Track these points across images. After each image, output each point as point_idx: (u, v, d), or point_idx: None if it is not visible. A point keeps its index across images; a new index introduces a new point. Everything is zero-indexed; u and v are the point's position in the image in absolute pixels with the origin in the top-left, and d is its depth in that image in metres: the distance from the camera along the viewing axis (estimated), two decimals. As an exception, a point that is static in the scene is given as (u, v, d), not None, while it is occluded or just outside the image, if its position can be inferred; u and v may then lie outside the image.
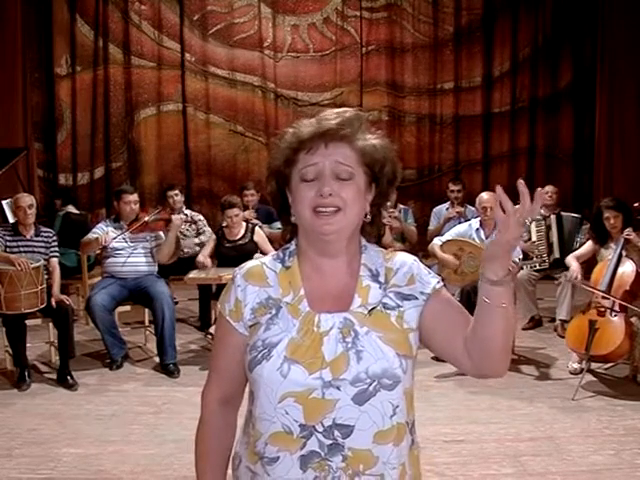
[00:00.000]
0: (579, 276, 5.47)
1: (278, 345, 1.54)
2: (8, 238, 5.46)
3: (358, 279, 1.59)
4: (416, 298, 1.60)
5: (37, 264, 5.24)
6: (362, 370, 1.50)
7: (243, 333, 1.62)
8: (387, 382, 1.51)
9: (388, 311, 1.57)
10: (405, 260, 1.65)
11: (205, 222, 7.40)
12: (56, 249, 5.69)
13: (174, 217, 6.11)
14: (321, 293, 1.59)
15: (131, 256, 5.80)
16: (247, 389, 1.73)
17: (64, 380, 5.22)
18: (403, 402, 1.56)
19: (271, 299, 1.60)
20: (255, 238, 6.28)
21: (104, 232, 5.77)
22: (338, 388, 1.50)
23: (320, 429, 1.51)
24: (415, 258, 1.67)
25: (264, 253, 6.25)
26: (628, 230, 5.33)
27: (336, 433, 1.51)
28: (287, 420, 1.53)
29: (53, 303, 5.32)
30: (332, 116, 1.56)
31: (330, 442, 1.51)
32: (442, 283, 1.65)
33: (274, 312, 1.58)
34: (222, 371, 1.73)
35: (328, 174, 1.53)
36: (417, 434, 1.67)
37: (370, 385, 1.50)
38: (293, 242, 1.67)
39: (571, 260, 5.67)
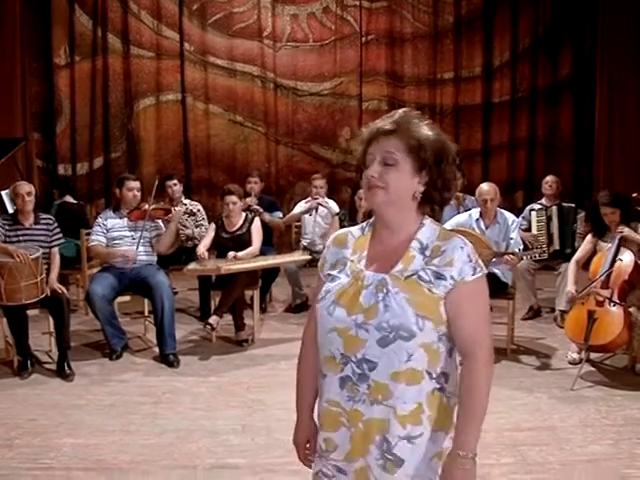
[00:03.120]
0: (574, 293, 5.34)
1: (331, 291, 1.96)
2: (7, 228, 5.46)
3: (408, 249, 1.92)
4: (446, 279, 1.87)
5: (36, 255, 5.23)
6: (385, 320, 1.85)
7: (324, 281, 2.04)
8: (404, 334, 1.84)
9: (421, 282, 1.87)
10: (455, 243, 1.90)
11: (204, 213, 7.39)
12: (59, 236, 5.69)
13: (174, 208, 6.12)
14: (377, 256, 1.97)
15: (138, 245, 5.80)
16: None
17: (62, 370, 5.23)
18: (420, 353, 1.86)
19: (344, 258, 2.01)
20: (251, 228, 6.27)
21: (106, 233, 5.83)
22: (367, 330, 1.87)
23: (354, 360, 1.89)
24: (467, 245, 1.91)
25: (251, 244, 6.23)
26: (621, 228, 5.30)
27: (364, 366, 1.88)
28: (333, 348, 1.93)
29: (48, 292, 5.32)
30: (385, 117, 1.96)
31: (360, 372, 1.89)
32: (478, 279, 1.89)
33: (342, 268, 1.99)
34: (314, 311, 2.06)
35: (377, 161, 1.91)
36: (453, 385, 1.95)
37: (390, 333, 1.84)
38: (374, 217, 2.04)
39: (570, 274, 5.55)
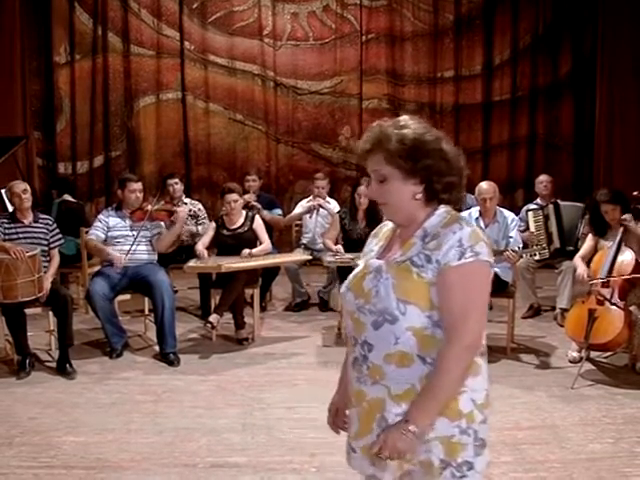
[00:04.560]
0: (585, 276, 5.39)
1: (350, 277, 2.11)
2: (6, 226, 5.47)
3: (411, 237, 2.00)
4: (432, 262, 1.92)
5: (33, 252, 5.23)
6: (373, 304, 1.96)
7: None
8: (388, 317, 1.93)
9: (413, 267, 1.94)
10: (451, 228, 1.94)
11: (205, 213, 7.39)
12: (58, 237, 5.69)
13: (179, 209, 6.10)
14: (390, 246, 2.09)
15: (132, 245, 5.80)
16: None
17: (63, 369, 5.23)
18: (407, 337, 1.92)
19: (373, 246, 2.17)
20: (254, 226, 6.29)
21: (106, 230, 5.82)
22: (364, 314, 1.98)
23: (359, 342, 2.01)
24: (463, 229, 1.93)
25: (260, 242, 6.26)
26: (627, 216, 5.31)
27: (365, 348, 1.99)
28: (349, 329, 2.08)
29: (41, 293, 5.30)
30: (363, 136, 2.05)
31: (363, 353, 2.00)
32: (467, 265, 1.88)
33: (367, 256, 2.13)
34: None
35: (373, 180, 2.03)
36: None
37: (379, 317, 1.94)
38: None
39: (578, 261, 5.61)
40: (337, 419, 2.25)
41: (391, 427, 1.92)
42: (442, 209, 2.01)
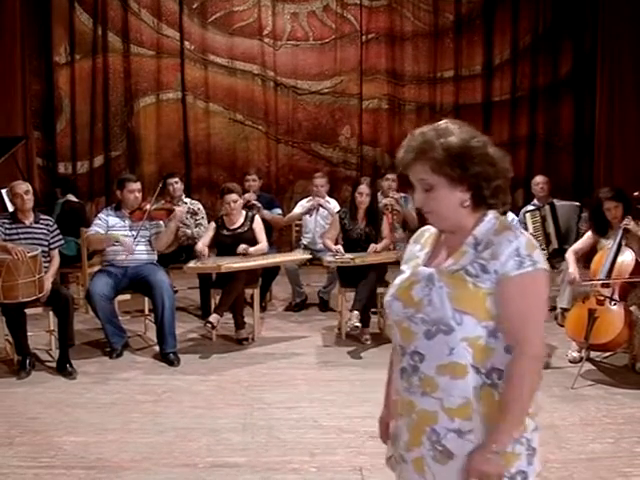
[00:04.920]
0: (577, 277, 5.40)
1: (395, 285, 2.05)
2: (7, 226, 5.46)
3: (462, 245, 1.95)
4: (490, 273, 1.88)
5: (34, 253, 5.23)
6: (427, 314, 1.90)
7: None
8: (443, 328, 1.88)
9: (467, 277, 1.89)
10: (506, 236, 1.90)
11: (204, 212, 7.38)
12: (59, 238, 5.69)
13: (177, 208, 6.11)
14: (437, 252, 2.03)
15: (133, 243, 5.80)
16: None
17: (63, 369, 5.23)
18: (462, 347, 1.88)
19: (414, 253, 2.11)
20: (254, 226, 6.28)
21: (106, 227, 5.80)
22: (416, 323, 1.93)
23: (408, 351, 1.96)
24: (519, 238, 1.89)
25: (258, 242, 6.25)
26: (627, 219, 5.31)
27: (416, 358, 1.94)
28: (395, 339, 2.03)
29: (41, 293, 5.30)
30: (404, 144, 1.98)
31: (413, 364, 1.95)
32: (526, 274, 1.86)
33: (410, 263, 2.08)
34: None
35: (418, 189, 1.98)
36: (501, 382, 1.90)
37: (432, 327, 1.89)
38: None
39: (570, 259, 5.58)
40: (388, 434, 2.20)
41: (474, 454, 1.87)
42: (490, 215, 1.98)
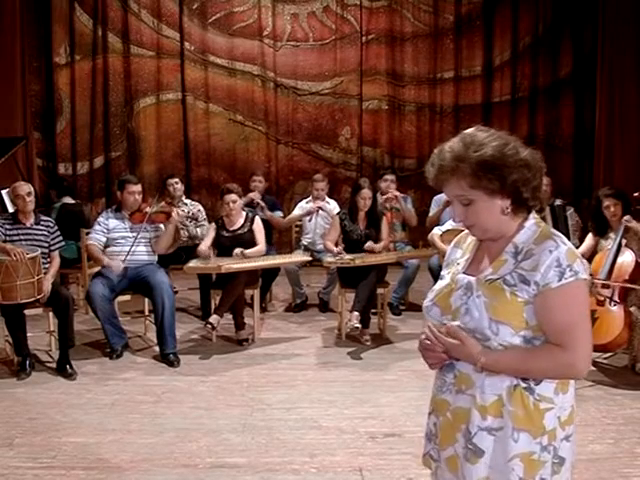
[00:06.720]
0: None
1: (434, 290, 2.06)
2: (8, 227, 5.45)
3: (502, 254, 1.95)
4: (529, 284, 1.86)
5: (34, 254, 5.22)
6: (464, 322, 1.92)
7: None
8: (479, 337, 1.89)
9: (506, 286, 1.88)
10: (546, 246, 1.88)
11: (204, 214, 7.38)
12: (59, 239, 5.67)
13: (173, 213, 6.08)
14: (477, 260, 2.03)
15: (132, 246, 5.79)
16: None
17: (63, 369, 5.23)
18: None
19: (455, 259, 2.11)
20: (253, 227, 6.28)
21: (106, 232, 5.83)
22: None
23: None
24: (559, 247, 1.87)
25: (257, 244, 6.23)
26: (628, 217, 5.31)
27: (452, 357, 1.96)
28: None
29: (48, 292, 5.31)
30: (433, 161, 1.94)
31: (449, 362, 1.98)
32: (568, 285, 1.83)
33: (451, 269, 2.08)
34: None
35: (456, 204, 1.96)
36: (548, 391, 1.91)
37: (469, 334, 1.90)
38: None
39: None
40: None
41: (473, 341, 1.90)
42: (531, 221, 1.96)
